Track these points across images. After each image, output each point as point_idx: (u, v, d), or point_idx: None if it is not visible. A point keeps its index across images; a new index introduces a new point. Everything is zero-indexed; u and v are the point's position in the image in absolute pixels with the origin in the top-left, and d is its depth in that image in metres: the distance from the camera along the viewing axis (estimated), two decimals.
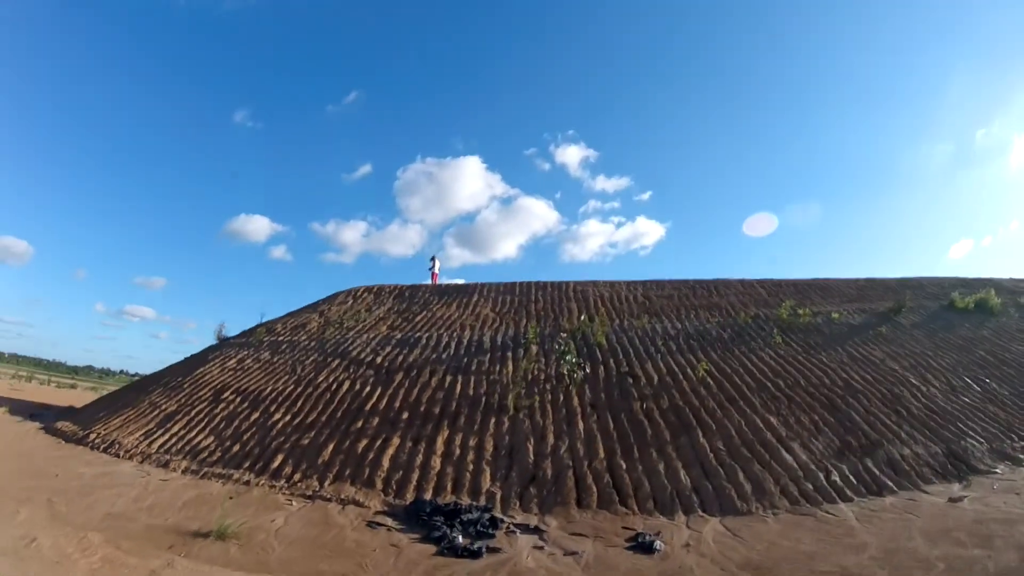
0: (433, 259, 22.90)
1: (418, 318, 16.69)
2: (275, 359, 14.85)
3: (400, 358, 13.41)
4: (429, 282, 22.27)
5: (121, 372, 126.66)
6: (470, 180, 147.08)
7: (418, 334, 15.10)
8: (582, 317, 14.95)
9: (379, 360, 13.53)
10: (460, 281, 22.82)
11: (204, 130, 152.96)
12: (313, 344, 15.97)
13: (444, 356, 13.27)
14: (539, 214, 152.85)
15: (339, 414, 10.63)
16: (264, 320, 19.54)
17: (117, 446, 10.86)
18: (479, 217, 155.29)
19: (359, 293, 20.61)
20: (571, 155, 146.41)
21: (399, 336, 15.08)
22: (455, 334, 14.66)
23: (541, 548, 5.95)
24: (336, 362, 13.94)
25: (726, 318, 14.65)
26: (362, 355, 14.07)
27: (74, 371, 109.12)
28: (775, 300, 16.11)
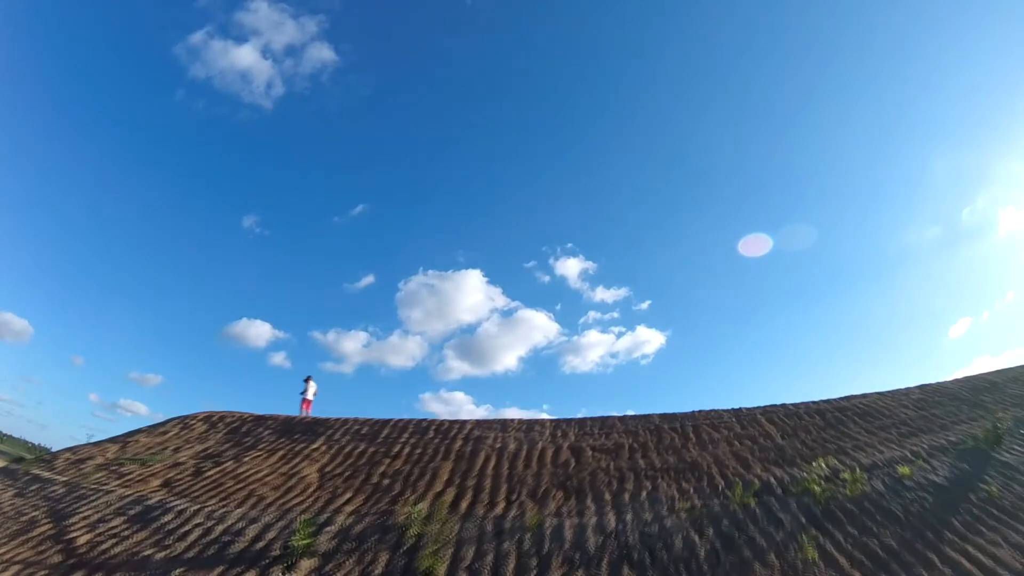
0: (307, 381, 18.07)
1: (213, 472, 11.33)
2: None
3: (111, 547, 8.00)
4: (299, 412, 17.34)
5: None
6: (471, 292, 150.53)
7: (179, 503, 9.66)
8: (418, 506, 8.41)
9: (79, 541, 8.20)
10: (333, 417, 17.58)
11: (212, 233, 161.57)
12: (57, 491, 10.79)
13: (169, 553, 7.79)
14: (539, 325, 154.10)
15: None
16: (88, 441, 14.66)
17: None
18: (480, 329, 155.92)
19: (194, 421, 15.43)
20: (570, 267, 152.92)
21: (152, 503, 9.71)
22: (226, 512, 9.20)
23: None
24: (37, 530, 8.73)
25: (708, 499, 8.26)
26: (69, 526, 8.75)
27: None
28: (794, 446, 9.97)
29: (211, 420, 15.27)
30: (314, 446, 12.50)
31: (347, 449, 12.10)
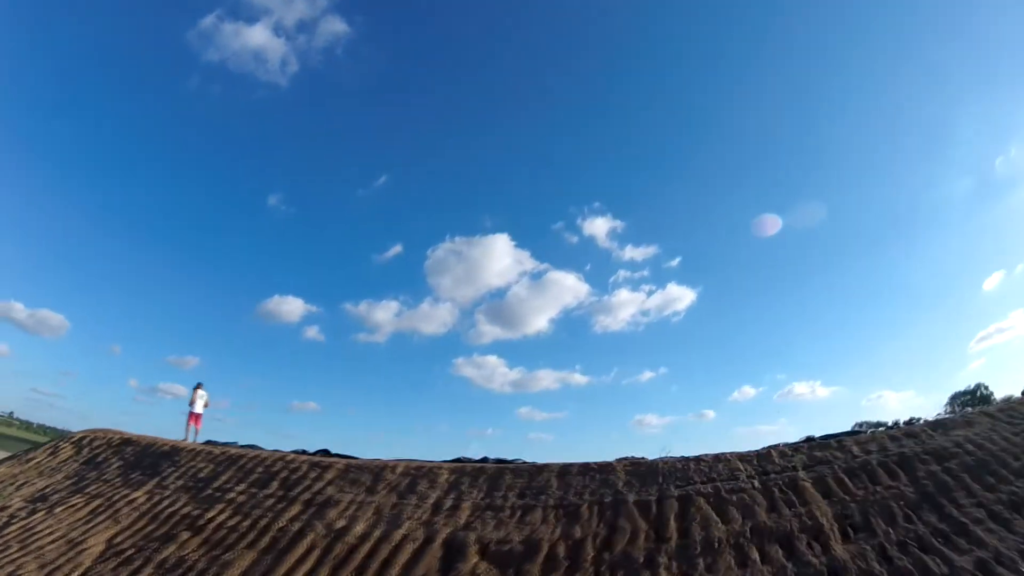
0: (195, 389, 14.96)
1: (14, 527, 8.47)
2: None
3: None
4: (185, 429, 14.37)
5: None
6: (499, 257, 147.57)
7: None
8: None
9: None
10: (235, 446, 14.09)
11: (238, 213, 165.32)
12: None
13: None
14: (569, 287, 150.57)
15: None
16: None
17: None
18: (509, 293, 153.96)
19: (66, 445, 12.86)
20: (598, 227, 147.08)
21: None
22: None
23: None
24: None
25: None
26: None
27: None
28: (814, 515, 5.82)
29: (81, 444, 12.63)
30: (135, 495, 9.32)
31: (163, 505, 8.79)
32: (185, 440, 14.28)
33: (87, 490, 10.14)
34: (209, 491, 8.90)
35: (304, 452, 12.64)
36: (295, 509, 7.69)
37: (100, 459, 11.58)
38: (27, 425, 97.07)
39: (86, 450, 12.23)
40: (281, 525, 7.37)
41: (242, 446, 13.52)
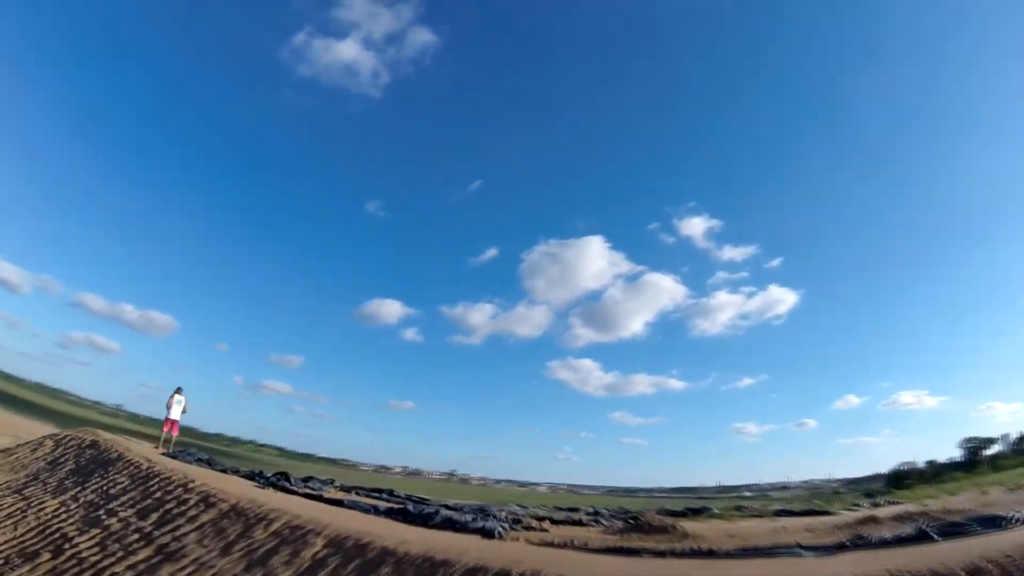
0: (174, 394, 14.64)
1: None
2: None
3: None
4: (161, 437, 13.92)
5: (250, 441, 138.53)
6: (593, 259, 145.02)
7: None
8: None
9: None
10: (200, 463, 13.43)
11: (339, 220, 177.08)
12: None
13: None
14: (666, 289, 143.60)
15: None
16: None
17: None
18: (604, 295, 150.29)
19: (48, 442, 13.07)
20: (695, 227, 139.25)
21: None
22: None
23: None
24: None
25: None
26: None
27: (204, 437, 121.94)
28: None
29: (59, 443, 12.73)
30: (50, 503, 8.84)
31: (60, 518, 8.18)
32: (157, 447, 14.10)
33: (24, 491, 9.90)
34: (103, 511, 8.13)
35: (258, 475, 11.72)
36: (142, 554, 6.57)
37: (61, 460, 11.48)
38: (134, 417, 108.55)
39: (59, 449, 12.28)
40: (114, 572, 6.27)
41: (197, 459, 12.84)
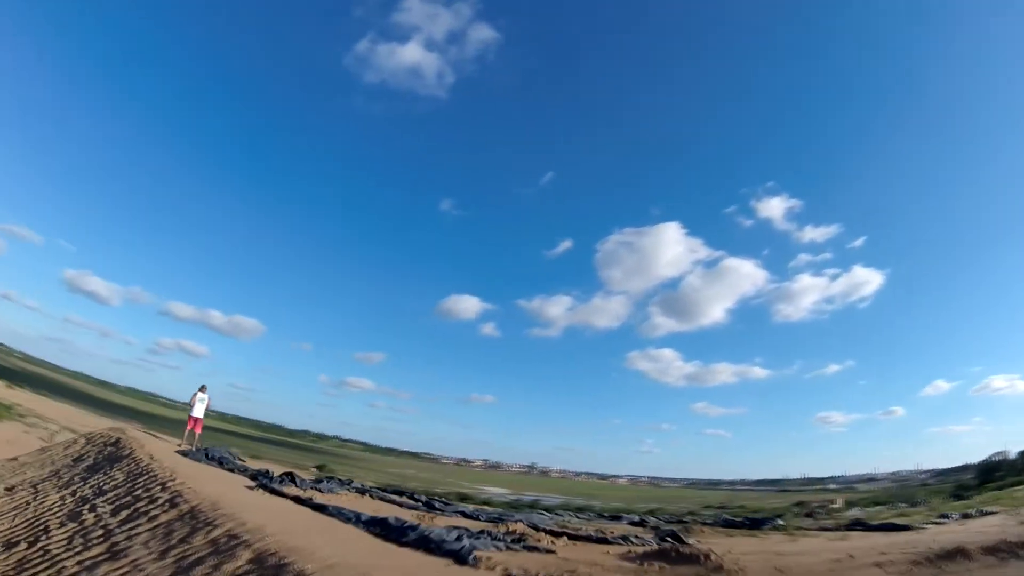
0: (197, 392, 14.83)
1: None
2: None
3: None
4: (185, 433, 14.08)
5: (334, 437, 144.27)
6: (670, 246, 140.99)
7: None
8: None
9: None
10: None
11: (415, 220, 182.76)
12: None
13: None
14: (746, 274, 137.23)
15: None
16: None
17: None
18: (683, 283, 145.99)
19: (80, 439, 13.70)
20: (774, 208, 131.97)
21: None
22: None
23: None
24: None
25: None
26: None
27: (290, 434, 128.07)
28: None
29: (91, 440, 13.25)
30: (53, 497, 8.88)
31: (52, 512, 8.12)
32: (182, 444, 14.47)
33: (39, 485, 10.21)
34: (88, 506, 8.06)
35: (263, 475, 11.57)
36: (95, 551, 6.28)
37: (83, 456, 11.87)
38: (221, 416, 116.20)
39: (87, 446, 12.76)
40: (64, 567, 6.03)
41: (210, 457, 12.89)
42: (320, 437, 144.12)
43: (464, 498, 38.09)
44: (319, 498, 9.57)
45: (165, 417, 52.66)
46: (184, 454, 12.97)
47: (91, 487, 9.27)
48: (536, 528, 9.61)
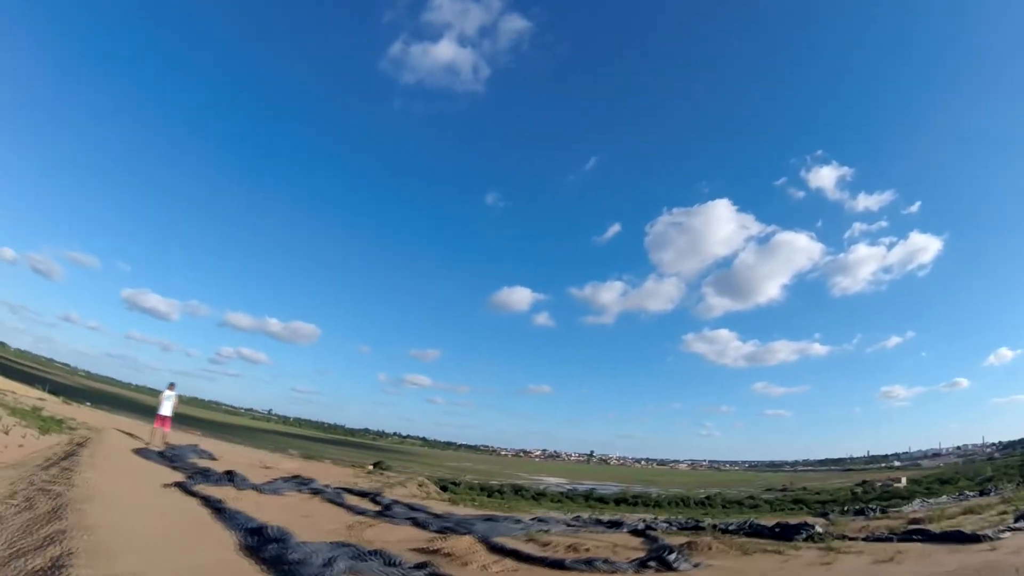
0: (166, 390, 14.67)
1: None
2: None
3: None
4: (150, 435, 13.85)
5: (394, 434, 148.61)
6: (721, 223, 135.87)
7: None
8: None
9: None
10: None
11: (461, 215, 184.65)
12: None
13: None
14: (800, 248, 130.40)
15: None
16: None
17: None
18: (736, 261, 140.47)
19: (81, 439, 14.08)
20: (824, 177, 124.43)
21: None
22: None
23: None
24: None
25: None
26: None
27: (350, 433, 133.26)
28: None
29: (70, 443, 13.64)
30: None
31: None
32: (148, 443, 14.38)
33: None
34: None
35: (203, 473, 11.35)
36: None
37: (53, 456, 12.23)
38: (284, 419, 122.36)
39: (66, 447, 13.19)
40: None
41: (172, 455, 12.70)
42: (380, 435, 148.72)
43: (519, 489, 37.18)
44: (237, 501, 9.13)
45: (223, 423, 56.02)
46: (140, 452, 13.05)
47: (11, 482, 9.27)
48: (489, 544, 8.50)
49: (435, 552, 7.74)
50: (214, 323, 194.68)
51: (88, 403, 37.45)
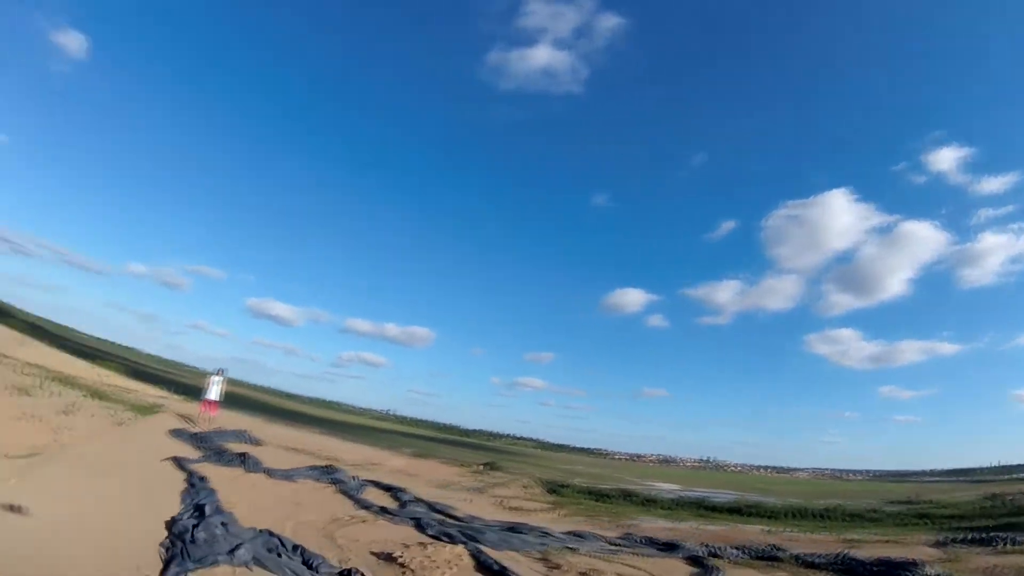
0: (213, 375, 16.42)
1: None
2: None
3: None
4: (200, 426, 15.66)
5: (508, 435, 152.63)
6: (839, 215, 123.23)
7: None
8: None
9: None
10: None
11: (570, 217, 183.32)
12: None
13: None
14: (924, 238, 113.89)
15: None
16: None
17: None
18: (857, 255, 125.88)
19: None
20: (945, 159, 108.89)
21: None
22: None
23: None
24: None
25: None
26: None
27: (465, 433, 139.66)
28: None
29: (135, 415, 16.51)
30: None
31: None
32: (196, 426, 16.39)
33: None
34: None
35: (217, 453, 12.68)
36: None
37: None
38: (402, 419, 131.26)
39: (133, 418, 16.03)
40: None
41: (201, 436, 14.27)
42: (494, 436, 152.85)
43: (628, 494, 36.55)
44: (231, 480, 10.88)
45: (341, 422, 62.25)
46: (175, 432, 15.45)
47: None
48: (478, 559, 8.26)
49: (392, 559, 7.59)
50: (335, 329, 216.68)
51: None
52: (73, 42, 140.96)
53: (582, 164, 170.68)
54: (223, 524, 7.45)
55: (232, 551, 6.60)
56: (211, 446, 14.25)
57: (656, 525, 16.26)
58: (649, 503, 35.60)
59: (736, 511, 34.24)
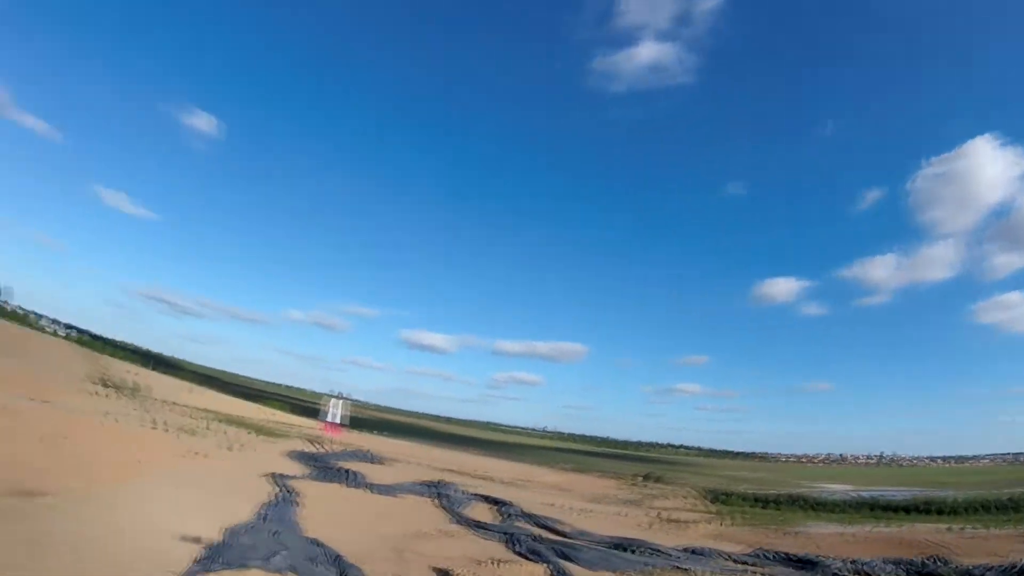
0: (334, 400, 17.10)
1: None
2: None
3: None
4: (327, 446, 16.64)
5: (667, 444, 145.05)
6: (987, 164, 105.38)
7: None
8: None
9: None
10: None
11: (705, 211, 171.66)
12: None
13: None
14: None
15: None
16: None
17: None
18: (1015, 206, 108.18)
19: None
20: None
21: None
22: None
23: None
24: None
25: None
26: None
27: (620, 445, 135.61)
28: None
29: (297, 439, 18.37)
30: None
31: None
32: (320, 448, 17.95)
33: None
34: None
35: (334, 471, 13.41)
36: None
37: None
38: (559, 435, 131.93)
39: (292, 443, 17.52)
40: None
41: (358, 455, 15.11)
42: (650, 446, 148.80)
43: (795, 499, 33.33)
44: (319, 499, 12.41)
45: (499, 442, 63.53)
46: (291, 453, 16.64)
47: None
48: None
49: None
50: (486, 352, 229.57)
51: (357, 431, 48.54)
52: (204, 122, 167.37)
53: (708, 154, 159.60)
54: (274, 532, 7.33)
55: (269, 557, 6.40)
56: (322, 464, 14.95)
57: (825, 531, 13.62)
58: (818, 507, 31.87)
59: (914, 509, 29.93)
